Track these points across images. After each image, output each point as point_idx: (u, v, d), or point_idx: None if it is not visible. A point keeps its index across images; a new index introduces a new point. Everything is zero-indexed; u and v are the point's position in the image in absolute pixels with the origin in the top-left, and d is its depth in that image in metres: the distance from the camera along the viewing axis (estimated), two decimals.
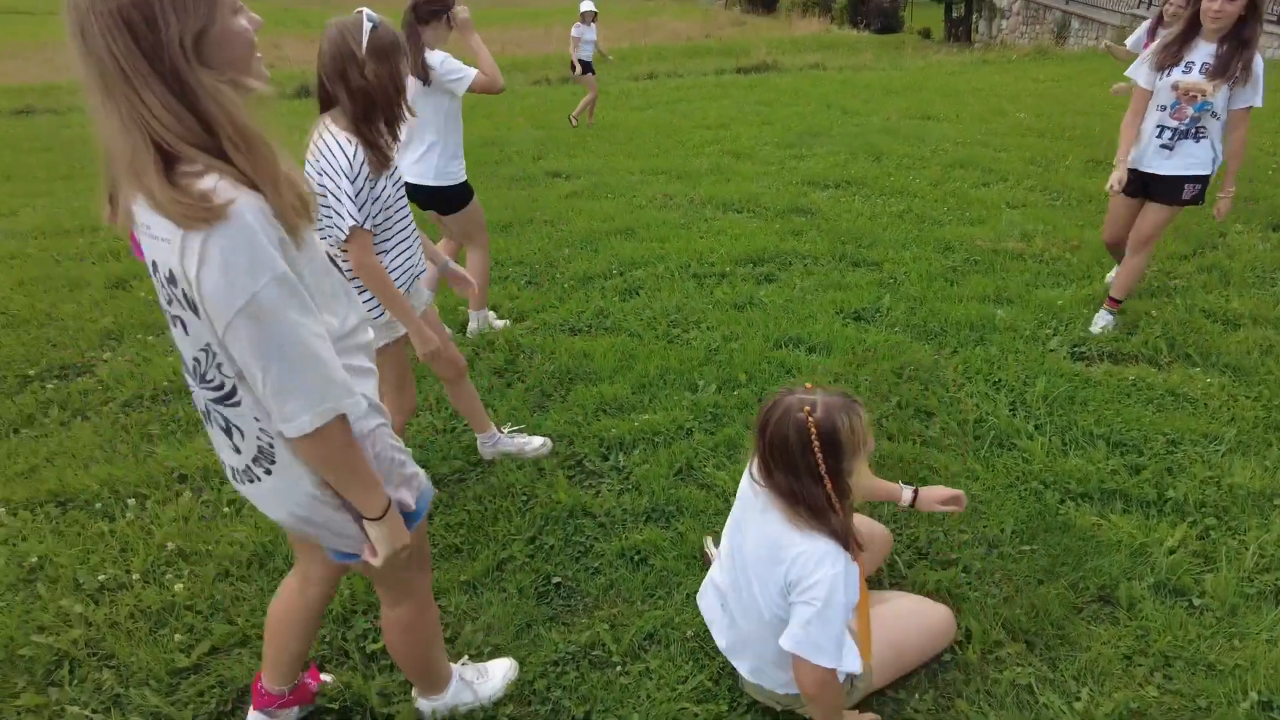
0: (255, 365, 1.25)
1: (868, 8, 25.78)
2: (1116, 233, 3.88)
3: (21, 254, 5.61)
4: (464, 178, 3.73)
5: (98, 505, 2.92)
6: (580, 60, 10.00)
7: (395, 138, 2.31)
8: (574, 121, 9.97)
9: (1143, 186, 3.65)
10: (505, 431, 3.14)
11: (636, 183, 7.03)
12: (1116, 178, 3.64)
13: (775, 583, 1.75)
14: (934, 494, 2.13)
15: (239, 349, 1.24)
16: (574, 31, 9.93)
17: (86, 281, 5.00)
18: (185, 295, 1.25)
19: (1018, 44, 17.54)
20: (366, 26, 2.15)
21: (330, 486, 1.46)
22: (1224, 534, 2.61)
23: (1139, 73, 3.55)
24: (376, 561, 1.51)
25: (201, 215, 1.15)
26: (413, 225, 2.55)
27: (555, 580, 2.50)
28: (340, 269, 1.51)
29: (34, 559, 2.64)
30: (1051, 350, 3.73)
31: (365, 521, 1.49)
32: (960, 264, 4.82)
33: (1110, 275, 4.33)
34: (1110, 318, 3.92)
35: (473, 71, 3.43)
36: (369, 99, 2.19)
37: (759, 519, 1.81)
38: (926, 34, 22.97)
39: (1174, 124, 3.46)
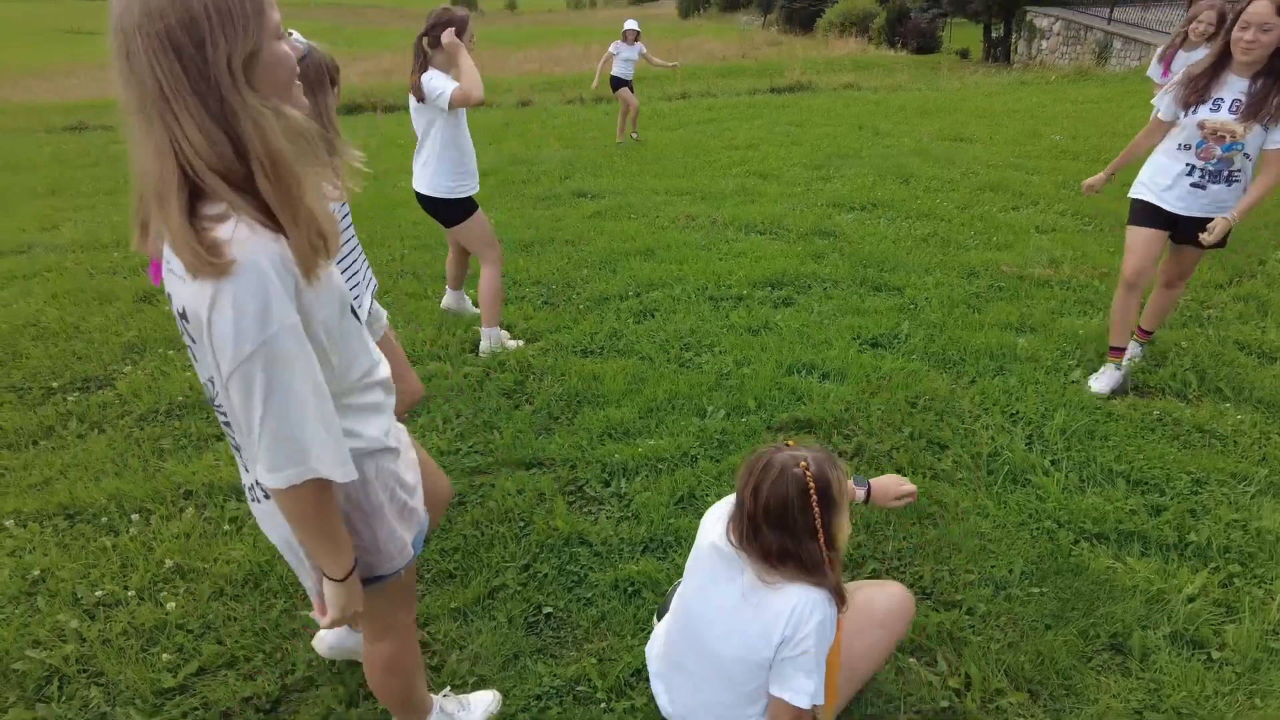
0: (256, 412, 1.23)
1: (905, 28, 25.57)
2: (1140, 264, 3.41)
3: (59, 267, 5.77)
4: (463, 194, 3.86)
5: (103, 519, 2.95)
6: (616, 77, 9.88)
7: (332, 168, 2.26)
8: (636, 137, 10.01)
9: (1168, 223, 3.39)
10: None
11: (661, 203, 7.01)
12: (1087, 182, 3.67)
13: (764, 646, 1.68)
14: (888, 488, 2.07)
15: (240, 395, 1.22)
16: (611, 48, 9.77)
17: (116, 295, 5.12)
18: (195, 331, 1.24)
19: (1057, 65, 17.26)
20: None
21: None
22: (1249, 582, 2.47)
23: (1161, 102, 3.31)
24: (324, 622, 1.48)
25: (207, 268, 1.15)
26: (355, 243, 2.55)
27: (546, 610, 2.45)
28: (358, 316, 1.48)
29: (37, 572, 2.68)
30: (1074, 381, 3.61)
31: (325, 580, 1.46)
32: (984, 290, 4.71)
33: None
34: (1139, 349, 3.78)
35: (451, 87, 3.56)
36: None
37: (738, 587, 1.72)
38: (965, 54, 22.70)
39: (1202, 164, 3.19)
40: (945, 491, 2.89)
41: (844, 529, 1.68)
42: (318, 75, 2.20)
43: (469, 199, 3.89)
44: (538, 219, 6.60)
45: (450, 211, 3.89)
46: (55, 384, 4.00)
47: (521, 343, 4.24)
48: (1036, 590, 2.45)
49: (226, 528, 2.88)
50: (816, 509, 1.60)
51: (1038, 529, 2.70)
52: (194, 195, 1.16)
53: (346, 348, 1.42)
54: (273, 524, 1.49)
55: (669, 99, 15.04)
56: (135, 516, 2.93)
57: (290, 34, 2.12)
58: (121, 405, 3.77)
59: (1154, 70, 5.28)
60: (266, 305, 1.17)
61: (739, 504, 1.72)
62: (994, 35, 21.74)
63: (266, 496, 1.45)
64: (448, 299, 4.63)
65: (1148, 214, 3.43)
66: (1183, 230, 3.38)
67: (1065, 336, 4.02)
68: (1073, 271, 4.87)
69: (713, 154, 9.11)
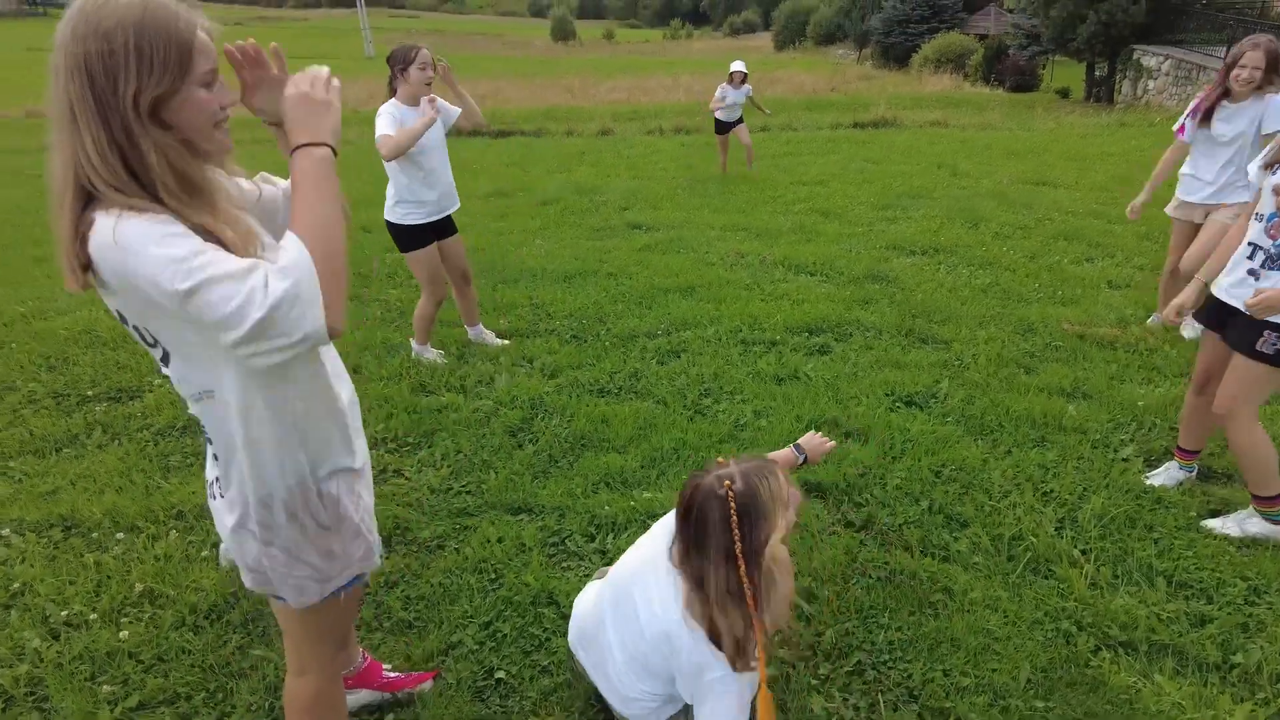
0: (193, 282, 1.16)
1: (1003, 65, 24.78)
2: (1209, 366, 2.88)
3: None
4: (403, 223, 3.98)
5: (95, 535, 2.98)
6: (720, 121, 9.56)
7: None
8: (751, 167, 9.88)
9: (1223, 321, 2.76)
10: None
11: (714, 238, 6.87)
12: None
13: (663, 665, 1.76)
14: (815, 447, 2.25)
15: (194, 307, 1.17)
16: (718, 92, 9.28)
17: None
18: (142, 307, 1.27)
19: (1165, 106, 16.34)
20: None
21: (248, 527, 1.45)
22: None
23: (1252, 168, 2.71)
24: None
25: (76, 280, 1.21)
26: None
27: (499, 675, 2.30)
28: None
29: (18, 585, 2.70)
30: (1123, 460, 3.25)
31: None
32: (1039, 349, 4.35)
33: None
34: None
35: (379, 134, 3.69)
36: None
37: (659, 587, 1.77)
38: (1065, 94, 21.81)
39: (1268, 245, 2.53)
40: (955, 576, 2.61)
41: (778, 532, 1.62)
42: None
43: (414, 229, 4.00)
44: (586, 250, 6.54)
45: (395, 235, 4.06)
46: (91, 392, 4.14)
47: (441, 354, 4.44)
48: (1041, 704, 2.15)
49: (206, 553, 2.85)
50: (736, 531, 1.57)
51: (1054, 630, 2.39)
52: (87, 202, 1.21)
53: None
54: (220, 521, 1.51)
55: (748, 130, 14.90)
56: (121, 535, 2.94)
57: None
58: (144, 418, 3.85)
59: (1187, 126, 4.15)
60: (170, 246, 1.17)
61: (677, 528, 1.74)
62: (1097, 74, 20.80)
63: (222, 495, 1.47)
64: (470, 334, 4.62)
65: (1209, 306, 2.82)
66: (1228, 328, 2.71)
67: (1122, 406, 3.65)
68: (1142, 333, 4.46)
69: (779, 189, 8.92)
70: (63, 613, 2.56)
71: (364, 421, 3.71)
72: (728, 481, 1.60)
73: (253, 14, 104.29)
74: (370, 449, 3.45)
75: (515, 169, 10.96)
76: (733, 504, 1.57)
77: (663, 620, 1.73)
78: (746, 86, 9.36)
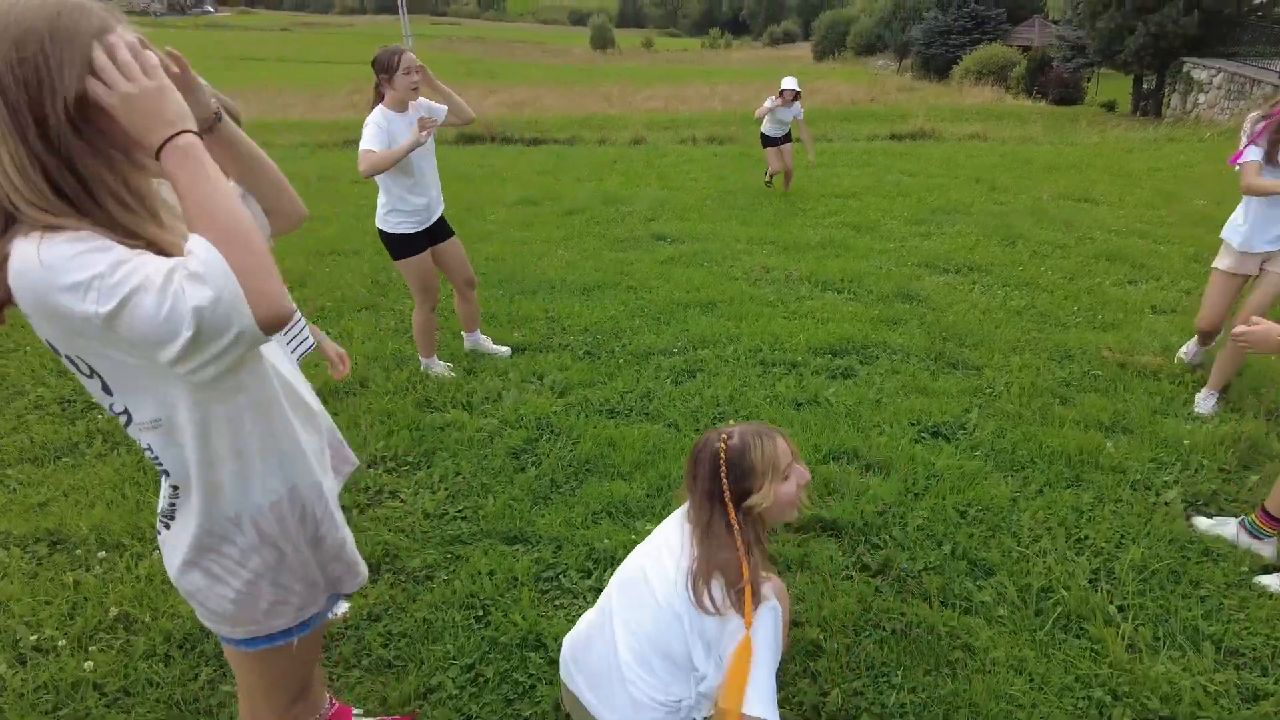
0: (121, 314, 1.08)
1: (1046, 78, 24.22)
2: None
3: None
4: (396, 232, 3.88)
5: (79, 551, 2.89)
6: (766, 135, 9.01)
7: None
8: (787, 188, 9.33)
9: None
10: None
11: (740, 251, 6.68)
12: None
13: (680, 640, 1.74)
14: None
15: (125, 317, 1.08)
16: (767, 103, 8.60)
17: None
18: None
19: (1216, 120, 15.79)
20: None
21: (195, 566, 1.37)
22: None
23: None
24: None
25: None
26: None
27: None
28: None
29: None
30: (1165, 504, 3.00)
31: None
32: (1077, 377, 4.10)
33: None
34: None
35: (362, 149, 3.60)
36: None
37: (672, 553, 1.79)
38: (1110, 107, 21.23)
39: None
40: (977, 632, 2.40)
41: (767, 495, 1.71)
42: None
43: (404, 237, 3.90)
44: (608, 262, 6.40)
45: (387, 243, 3.98)
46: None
47: (450, 367, 4.30)
48: None
49: None
50: (725, 480, 1.70)
51: (1085, 699, 2.17)
52: (8, 222, 1.14)
53: None
54: (168, 556, 1.42)
55: (792, 152, 14.66)
56: (103, 554, 2.84)
57: None
58: None
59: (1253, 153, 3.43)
60: (89, 265, 1.08)
61: (685, 484, 1.84)
62: (1145, 87, 20.22)
63: (167, 527, 1.39)
64: (466, 342, 4.52)
65: None
66: None
67: (1165, 444, 3.39)
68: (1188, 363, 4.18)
69: (810, 201, 8.70)
70: (33, 637, 2.46)
71: (364, 439, 3.60)
72: (724, 436, 1.73)
73: (298, 20, 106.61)
74: (368, 468, 3.36)
75: (546, 177, 10.87)
76: (723, 456, 1.70)
77: (677, 580, 1.74)
78: (798, 105, 8.79)
